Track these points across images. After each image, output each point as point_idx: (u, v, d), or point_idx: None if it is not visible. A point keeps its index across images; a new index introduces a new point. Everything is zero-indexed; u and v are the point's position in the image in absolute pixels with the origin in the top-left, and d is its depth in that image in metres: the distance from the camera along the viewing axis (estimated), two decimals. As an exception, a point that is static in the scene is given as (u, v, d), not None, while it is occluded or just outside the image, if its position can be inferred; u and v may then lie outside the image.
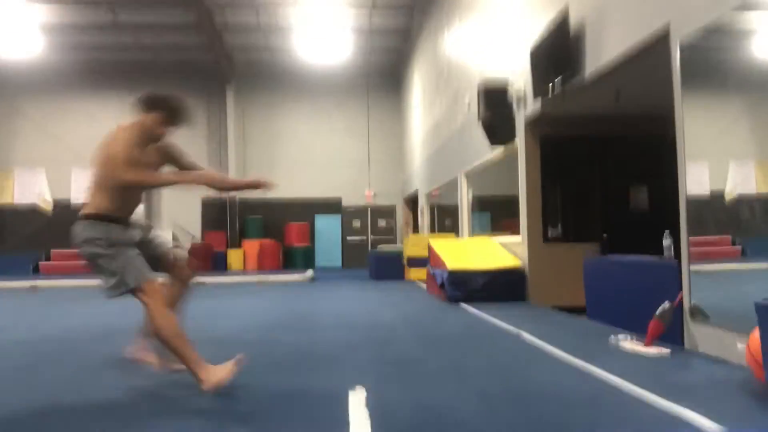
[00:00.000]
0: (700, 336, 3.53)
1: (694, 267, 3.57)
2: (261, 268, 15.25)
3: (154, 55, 15.93)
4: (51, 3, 12.82)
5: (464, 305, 6.21)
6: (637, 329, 3.90)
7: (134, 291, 2.78)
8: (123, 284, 2.76)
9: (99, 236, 2.77)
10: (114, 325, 5.33)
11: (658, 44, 3.89)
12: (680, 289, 3.67)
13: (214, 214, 16.72)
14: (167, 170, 3.13)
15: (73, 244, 2.84)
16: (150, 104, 2.96)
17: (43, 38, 13.95)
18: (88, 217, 2.82)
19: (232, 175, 16.44)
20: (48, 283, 10.71)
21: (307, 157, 17.01)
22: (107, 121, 17.28)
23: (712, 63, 3.67)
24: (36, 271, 15.07)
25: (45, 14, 13.25)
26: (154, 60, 16.21)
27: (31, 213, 16.37)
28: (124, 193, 2.87)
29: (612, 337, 3.86)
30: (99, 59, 16.35)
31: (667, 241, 4.04)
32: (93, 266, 2.81)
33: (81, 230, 2.81)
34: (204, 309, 6.59)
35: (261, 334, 4.68)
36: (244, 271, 14.76)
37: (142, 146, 2.92)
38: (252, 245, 15.75)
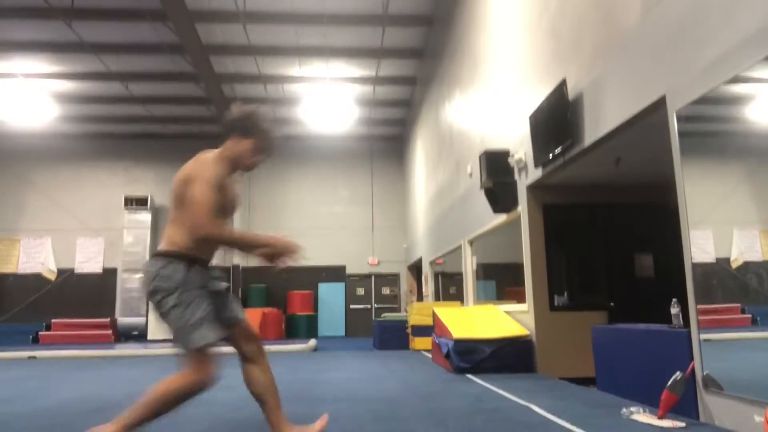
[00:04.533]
0: (715, 408, 3.41)
1: (704, 335, 3.50)
2: (263, 336, 14.93)
3: (162, 126, 16.38)
4: (65, 76, 13.32)
5: (471, 376, 6.06)
6: (650, 401, 3.78)
7: (189, 351, 2.44)
8: (182, 341, 2.44)
9: (172, 277, 2.45)
10: (110, 397, 5.21)
11: (656, 115, 3.99)
12: (691, 358, 3.58)
13: (218, 283, 16.65)
14: None
15: (142, 284, 2.54)
16: (245, 129, 2.65)
17: (54, 108, 14.37)
18: (163, 254, 2.50)
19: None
20: (47, 354, 10.54)
21: (311, 224, 17.14)
22: (114, 190, 17.55)
23: (710, 131, 3.74)
24: (36, 341, 14.86)
25: (58, 85, 13.74)
26: (162, 130, 16.66)
27: (34, 281, 16.35)
28: None
29: (624, 409, 3.74)
30: (108, 129, 16.81)
31: (675, 310, 3.99)
32: (159, 313, 2.49)
33: (152, 269, 2.48)
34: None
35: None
36: (246, 341, 14.49)
37: (229, 181, 2.62)
38: (254, 314, 15.55)
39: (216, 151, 2.65)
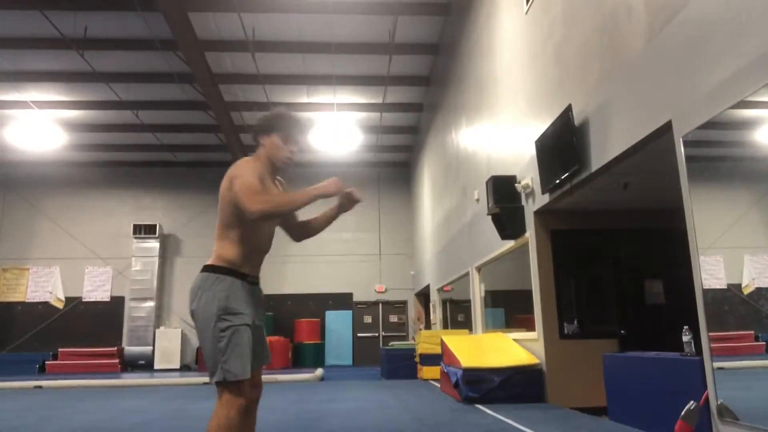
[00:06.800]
0: (731, 439, 3.32)
1: (718, 364, 3.42)
2: (270, 366, 14.87)
3: (172, 154, 16.53)
4: (77, 105, 13.53)
5: (480, 406, 5.95)
6: (663, 431, 3.69)
7: (222, 384, 2.34)
8: (220, 373, 2.33)
9: (217, 299, 2.38)
10: (115, 428, 5.15)
11: (662, 140, 3.98)
12: (705, 387, 3.50)
13: (225, 310, 16.58)
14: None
15: (190, 303, 2.46)
16: (266, 127, 2.66)
17: (65, 136, 14.53)
18: (208, 268, 2.46)
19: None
20: (53, 383, 10.48)
21: (317, 251, 17.08)
22: (123, 218, 17.53)
23: (718, 156, 3.72)
24: (42, 370, 14.81)
25: (69, 114, 13.94)
26: (172, 158, 16.81)
27: (42, 310, 16.36)
28: (251, 236, 2.52)
29: (637, 440, 3.64)
30: (118, 157, 16.99)
31: (686, 337, 3.91)
32: (199, 337, 2.42)
33: (197, 286, 2.44)
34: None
35: (267, 438, 4.47)
36: (252, 369, 14.36)
37: (269, 181, 2.63)
38: (261, 342, 15.46)
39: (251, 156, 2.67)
